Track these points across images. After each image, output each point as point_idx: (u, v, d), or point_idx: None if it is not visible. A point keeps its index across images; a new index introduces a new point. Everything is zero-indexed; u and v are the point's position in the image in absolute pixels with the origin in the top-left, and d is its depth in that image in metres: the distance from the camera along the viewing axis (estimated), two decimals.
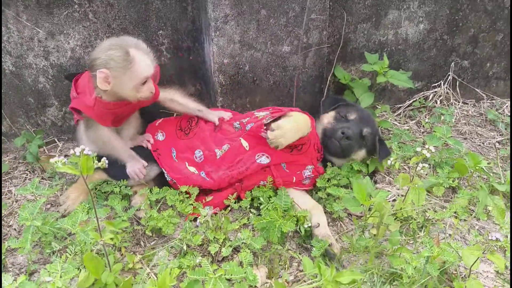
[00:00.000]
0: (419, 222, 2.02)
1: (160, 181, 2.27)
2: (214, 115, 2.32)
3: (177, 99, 2.27)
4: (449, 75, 3.12)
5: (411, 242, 1.95)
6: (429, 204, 2.18)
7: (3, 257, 1.85)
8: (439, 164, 2.46)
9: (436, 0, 2.79)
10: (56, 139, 2.73)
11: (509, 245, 1.88)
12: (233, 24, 2.30)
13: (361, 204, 1.82)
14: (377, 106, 2.99)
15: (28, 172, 2.49)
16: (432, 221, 2.05)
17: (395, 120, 3.05)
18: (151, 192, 2.15)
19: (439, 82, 3.15)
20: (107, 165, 1.51)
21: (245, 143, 2.16)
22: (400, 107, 3.13)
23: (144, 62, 1.90)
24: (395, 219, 2.00)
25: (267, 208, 2.00)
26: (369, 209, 1.92)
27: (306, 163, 2.22)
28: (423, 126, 2.97)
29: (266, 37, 2.38)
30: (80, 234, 1.76)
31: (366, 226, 1.95)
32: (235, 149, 2.16)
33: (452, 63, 3.08)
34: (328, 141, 2.27)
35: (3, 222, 2.11)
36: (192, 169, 2.20)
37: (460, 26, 2.94)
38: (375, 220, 1.85)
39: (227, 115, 2.33)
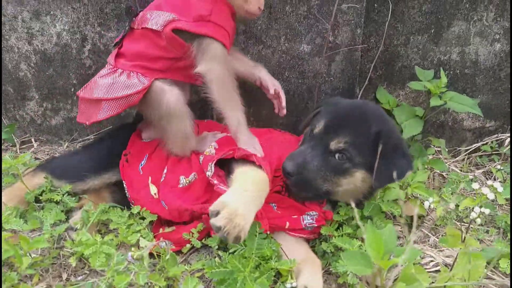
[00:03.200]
0: None
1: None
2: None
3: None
4: None
5: None
6: (491, 283, 1.42)
7: None
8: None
9: None
10: (33, 139, 2.36)
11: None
12: None
13: (375, 265, 1.15)
14: (430, 143, 2.26)
15: None
16: None
17: (456, 166, 2.30)
18: (95, 208, 1.63)
19: None
20: None
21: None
22: (464, 150, 2.39)
23: None
24: None
25: (237, 253, 1.37)
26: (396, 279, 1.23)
27: (306, 208, 1.60)
28: (495, 178, 2.20)
29: (279, 29, 1.87)
30: None
31: None
32: (204, 182, 1.62)
33: None
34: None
35: None
36: (153, 189, 1.67)
37: None
38: None
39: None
